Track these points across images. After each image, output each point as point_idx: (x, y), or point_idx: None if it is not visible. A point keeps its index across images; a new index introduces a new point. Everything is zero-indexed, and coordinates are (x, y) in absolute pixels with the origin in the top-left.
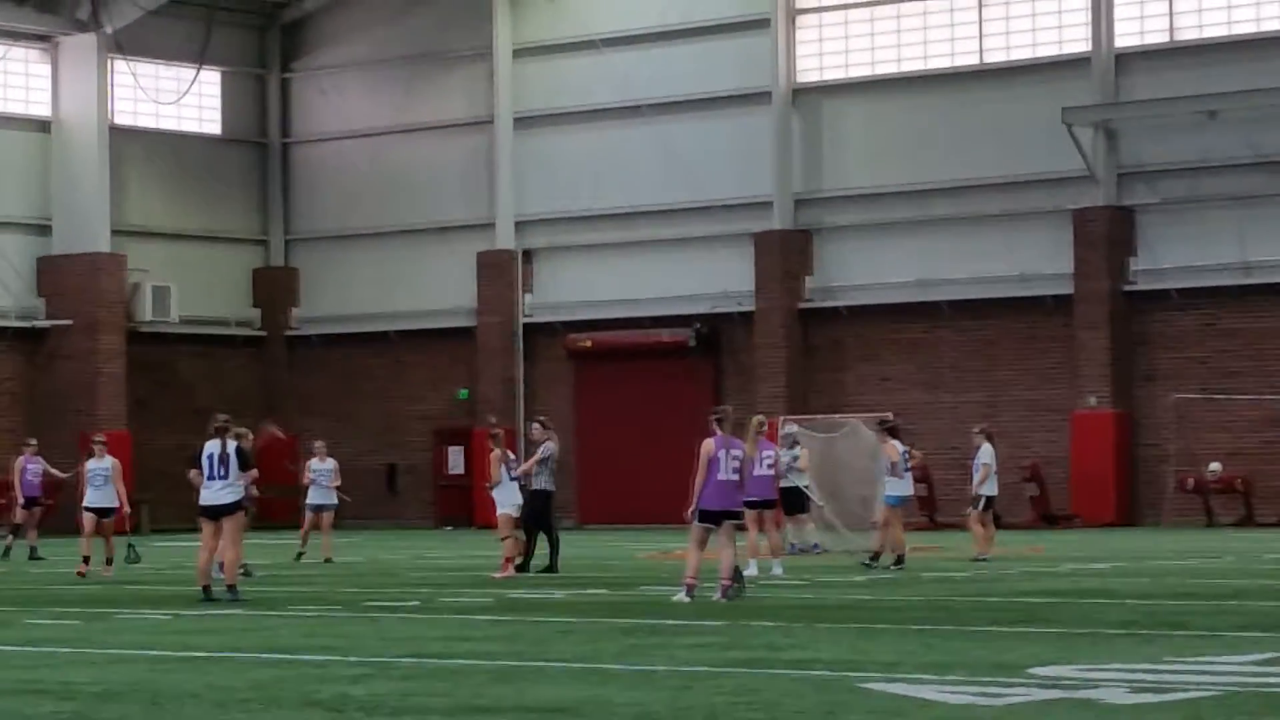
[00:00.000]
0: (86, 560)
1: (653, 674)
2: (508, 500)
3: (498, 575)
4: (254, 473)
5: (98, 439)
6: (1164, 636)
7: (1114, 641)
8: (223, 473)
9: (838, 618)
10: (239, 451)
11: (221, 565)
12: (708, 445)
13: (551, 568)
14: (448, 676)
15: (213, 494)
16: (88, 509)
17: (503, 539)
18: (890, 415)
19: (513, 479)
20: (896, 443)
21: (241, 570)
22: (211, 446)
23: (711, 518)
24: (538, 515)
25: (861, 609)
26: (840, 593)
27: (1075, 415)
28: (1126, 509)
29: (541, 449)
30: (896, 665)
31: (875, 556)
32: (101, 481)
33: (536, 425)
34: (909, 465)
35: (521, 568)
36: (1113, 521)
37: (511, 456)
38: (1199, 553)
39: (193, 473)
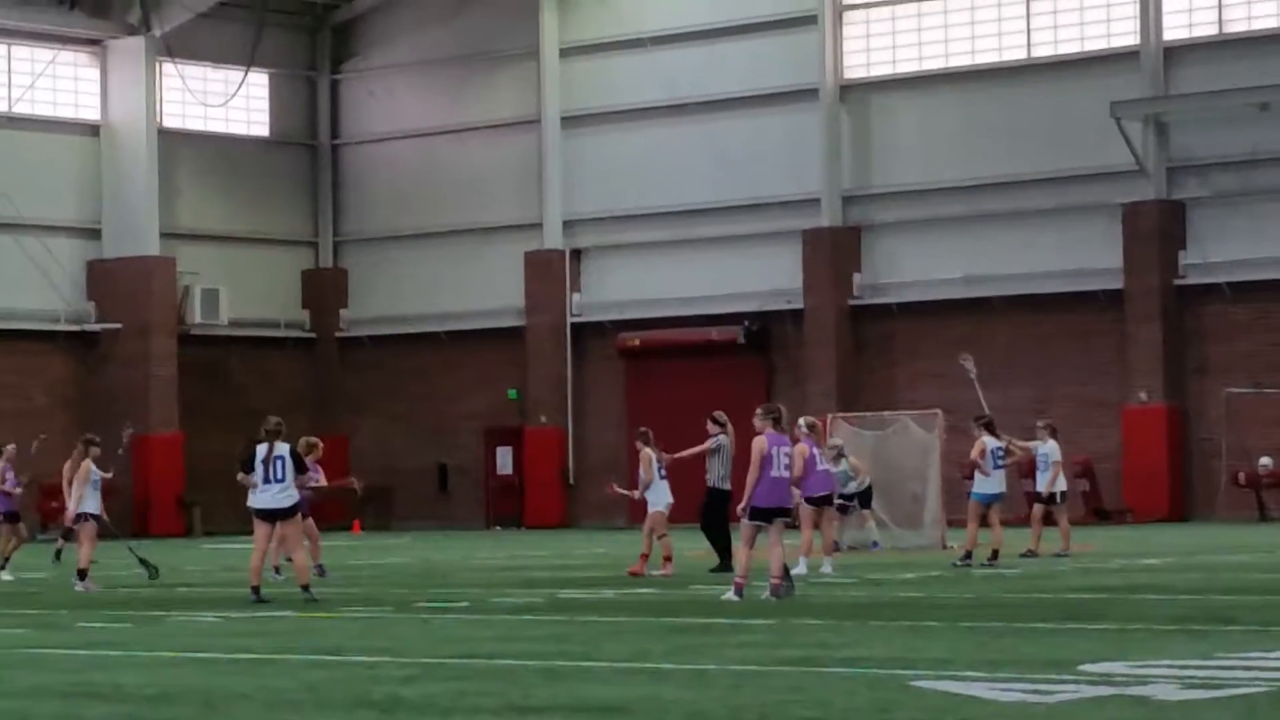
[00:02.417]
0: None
1: (704, 673)
2: (660, 499)
3: (657, 573)
4: (308, 475)
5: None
6: (1216, 632)
7: (1166, 638)
8: (279, 476)
9: (889, 615)
10: (292, 454)
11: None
12: (760, 443)
13: (722, 567)
14: (499, 676)
15: (270, 498)
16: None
17: (659, 537)
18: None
19: (662, 477)
20: (988, 439)
21: (316, 570)
22: (263, 450)
23: (763, 515)
24: (712, 514)
25: (912, 606)
26: (891, 590)
27: (1127, 410)
28: (1179, 504)
29: (710, 441)
30: (948, 663)
31: (994, 555)
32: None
33: (710, 421)
34: (1001, 462)
35: (719, 569)
36: (1165, 516)
37: (663, 456)
38: (1251, 547)
39: (241, 476)
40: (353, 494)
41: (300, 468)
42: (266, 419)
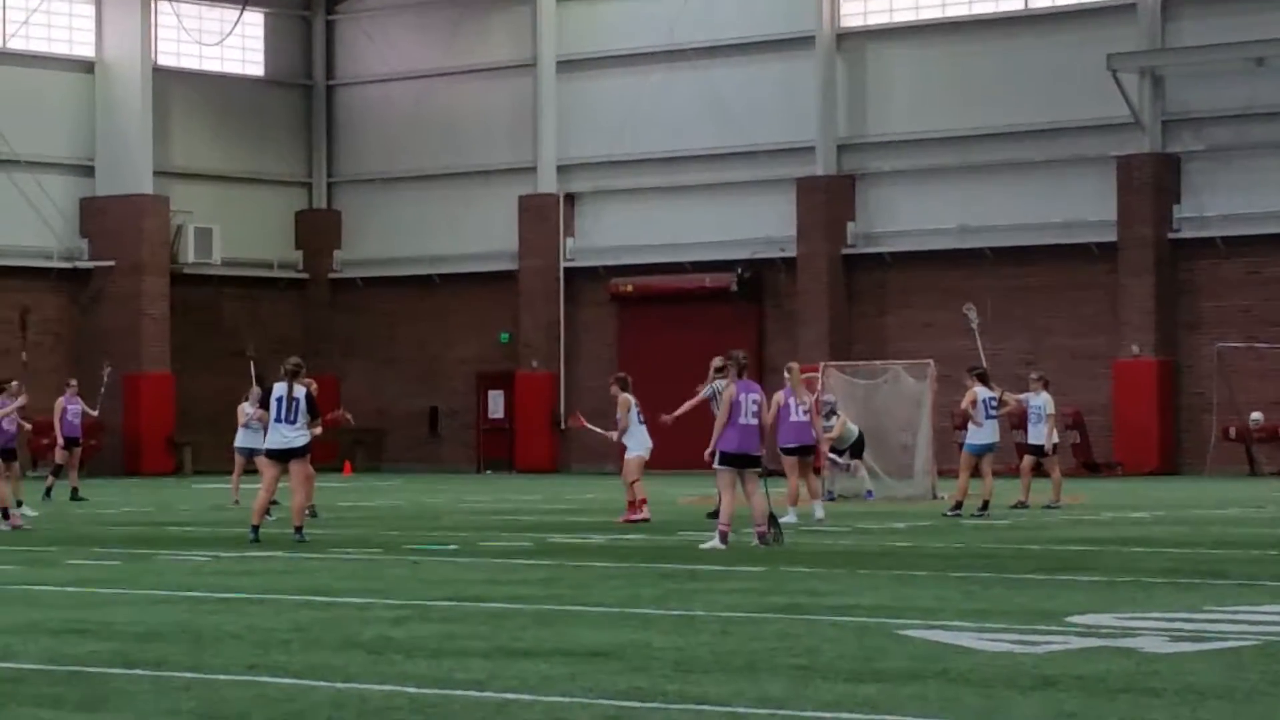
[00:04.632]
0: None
1: (692, 619)
2: (638, 445)
3: (629, 519)
4: (320, 423)
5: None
6: (1204, 585)
7: (1154, 590)
8: (291, 416)
9: (878, 564)
10: (308, 398)
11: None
12: (729, 389)
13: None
14: (488, 619)
15: (281, 437)
16: None
17: (630, 483)
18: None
19: (641, 422)
20: (981, 389)
21: (308, 512)
22: (280, 389)
23: (732, 462)
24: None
25: (901, 555)
26: (880, 539)
27: (1118, 363)
28: (1169, 457)
29: (705, 389)
30: (936, 612)
31: (984, 505)
32: None
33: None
34: (994, 412)
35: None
36: (1155, 470)
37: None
38: (1241, 502)
39: (259, 412)
40: (344, 434)
41: (313, 412)
42: (286, 359)
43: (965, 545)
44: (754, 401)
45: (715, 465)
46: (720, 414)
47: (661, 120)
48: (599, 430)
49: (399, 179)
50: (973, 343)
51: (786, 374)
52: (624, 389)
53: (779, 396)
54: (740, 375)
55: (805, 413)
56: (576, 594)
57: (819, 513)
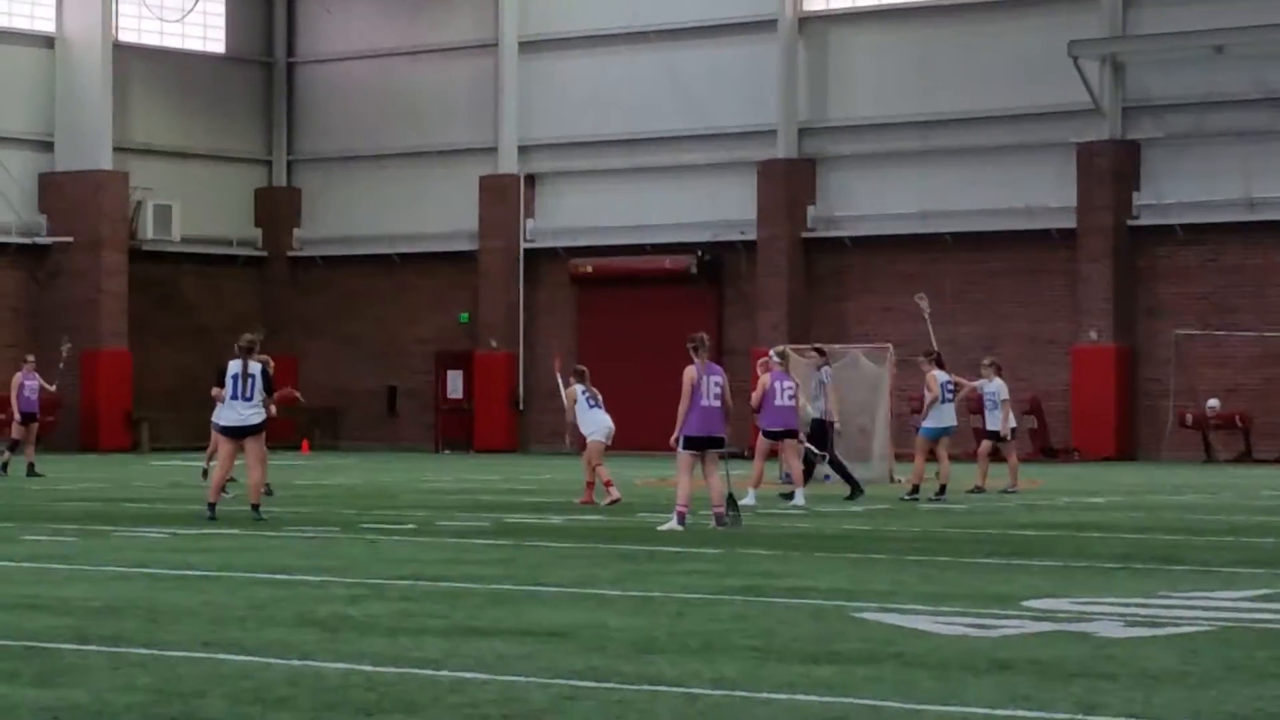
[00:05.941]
0: None
1: (649, 600)
2: (597, 429)
3: (604, 502)
4: (275, 397)
5: None
6: (1160, 571)
7: (1110, 575)
8: (247, 394)
9: (835, 547)
10: (263, 374)
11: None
12: (690, 372)
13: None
14: (444, 598)
15: (236, 414)
16: None
17: (593, 466)
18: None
19: (593, 407)
20: (938, 373)
21: (264, 489)
22: (235, 366)
23: (696, 444)
24: (817, 443)
25: (858, 539)
26: (837, 523)
27: (1076, 349)
28: (1126, 443)
29: (822, 373)
30: (892, 595)
31: (941, 490)
32: None
33: (812, 353)
34: (950, 396)
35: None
36: (1112, 456)
37: (594, 391)
38: (1197, 488)
39: (216, 390)
40: (302, 412)
41: (269, 388)
42: (242, 336)
43: (922, 529)
44: (716, 384)
45: (680, 450)
46: (683, 397)
47: (623, 102)
48: (560, 384)
49: (359, 158)
50: (925, 328)
51: (776, 358)
52: (579, 380)
53: (765, 379)
54: (698, 356)
55: (790, 398)
56: (533, 574)
57: (799, 499)
